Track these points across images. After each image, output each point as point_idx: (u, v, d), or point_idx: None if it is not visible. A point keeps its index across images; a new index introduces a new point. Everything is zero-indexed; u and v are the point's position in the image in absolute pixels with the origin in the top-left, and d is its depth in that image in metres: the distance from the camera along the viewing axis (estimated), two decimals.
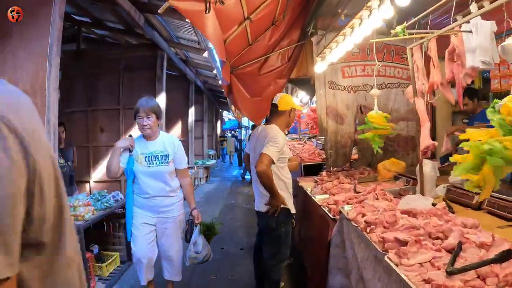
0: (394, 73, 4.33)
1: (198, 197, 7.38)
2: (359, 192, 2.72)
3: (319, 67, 3.76)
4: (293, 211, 2.59)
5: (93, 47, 6.78)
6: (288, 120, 2.72)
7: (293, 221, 2.67)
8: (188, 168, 7.71)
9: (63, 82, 6.74)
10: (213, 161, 10.06)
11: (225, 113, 22.67)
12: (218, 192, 8.02)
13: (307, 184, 3.43)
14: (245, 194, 7.73)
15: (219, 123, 19.09)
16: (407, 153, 4.34)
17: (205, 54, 6.05)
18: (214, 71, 7.51)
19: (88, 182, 6.16)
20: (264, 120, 4.23)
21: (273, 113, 2.72)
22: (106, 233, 3.78)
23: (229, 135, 17.80)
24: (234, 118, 26.33)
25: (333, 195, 2.76)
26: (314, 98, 4.79)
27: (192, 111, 8.87)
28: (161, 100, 5.73)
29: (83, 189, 6.21)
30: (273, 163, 2.39)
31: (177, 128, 9.12)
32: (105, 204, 3.24)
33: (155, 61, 5.78)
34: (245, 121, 17.05)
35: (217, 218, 5.65)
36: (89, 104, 6.15)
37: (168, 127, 9.14)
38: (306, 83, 4.37)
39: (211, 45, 6.04)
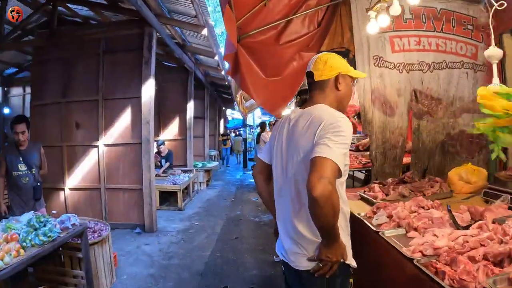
0: (457, 48, 3.20)
1: (197, 207, 6.23)
2: (464, 228, 1.57)
3: (365, 30, 2.60)
4: (353, 265, 1.39)
5: (69, 27, 5.66)
6: (337, 95, 1.48)
7: (351, 281, 1.48)
8: (186, 171, 6.52)
9: (34, 69, 5.63)
10: (214, 163, 8.91)
11: (228, 111, 21.52)
12: (220, 200, 6.86)
13: (353, 204, 2.25)
14: (253, 203, 6.56)
15: (222, 121, 17.94)
16: (472, 156, 3.20)
17: (205, 31, 4.89)
18: (216, 57, 6.36)
19: (63, 190, 5.04)
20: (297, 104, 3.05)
21: (312, 88, 1.53)
22: (59, 269, 2.64)
23: (233, 134, 16.64)
24: (239, 117, 25.24)
25: (417, 230, 1.60)
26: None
27: (191, 106, 7.72)
28: (149, 88, 4.58)
29: (56, 199, 5.10)
30: (340, 176, 1.23)
31: (173, 126, 7.97)
32: (47, 236, 2.09)
33: (141, 41, 4.63)
34: (249, 119, 15.84)
35: (219, 237, 4.49)
36: (63, 94, 5.02)
37: (163, 124, 8.01)
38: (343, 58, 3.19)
39: (211, 22, 4.89)
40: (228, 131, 15.51)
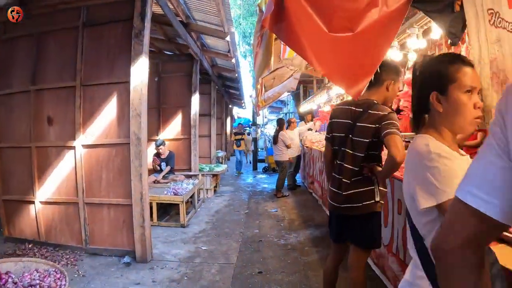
0: None
1: (203, 222, 5.05)
2: None
3: None
4: None
5: None
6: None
7: None
8: (190, 176, 5.33)
9: None
10: (223, 167, 7.73)
11: (235, 109, 20.36)
12: (232, 213, 5.69)
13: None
14: (272, 217, 5.38)
15: (228, 120, 16.78)
16: None
17: None
18: (228, 38, 5.19)
19: (33, 203, 3.90)
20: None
21: None
22: None
23: (248, 130, 14.81)
24: (245, 115, 24.07)
25: None
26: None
27: (196, 100, 6.55)
28: (140, 70, 3.41)
29: (25, 216, 3.97)
30: None
31: (175, 123, 6.80)
32: None
33: (132, 8, 3.47)
34: (259, 118, 14.64)
35: (236, 270, 3.31)
36: (32, 81, 3.88)
37: (164, 121, 6.85)
38: (444, 10, 1.97)
39: None
40: (243, 128, 12.76)
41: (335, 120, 2.09)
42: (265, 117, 21.91)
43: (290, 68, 4.61)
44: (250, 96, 7.79)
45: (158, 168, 6.26)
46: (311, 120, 9.30)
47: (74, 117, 3.65)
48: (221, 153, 10.59)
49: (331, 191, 2.14)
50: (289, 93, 15.50)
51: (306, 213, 5.43)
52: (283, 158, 6.67)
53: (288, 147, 6.60)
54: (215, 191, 7.40)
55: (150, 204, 4.43)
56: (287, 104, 21.88)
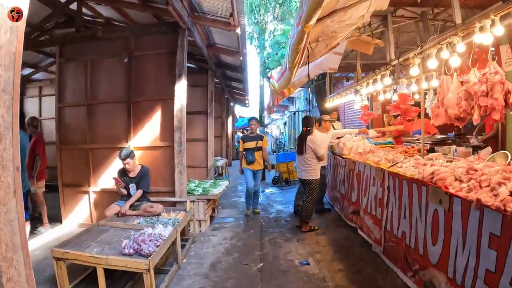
0: None
1: None
2: None
3: None
4: None
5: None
6: None
7: None
8: (175, 204, 3.09)
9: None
10: (222, 185, 5.56)
11: (236, 108, 18.18)
12: (237, 268, 3.53)
13: None
14: (304, 278, 3.26)
15: (230, 120, 14.64)
16: None
17: None
18: None
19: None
20: None
21: None
22: None
23: (239, 134, 12.36)
24: (247, 115, 21.79)
25: None
26: None
27: (181, 88, 4.39)
28: None
29: None
30: None
31: (153, 124, 4.65)
32: None
33: None
34: (249, 115, 12.45)
35: None
36: None
37: (136, 120, 4.74)
38: None
39: None
40: (260, 129, 8.67)
41: None
42: (267, 117, 19.32)
43: (347, 23, 2.51)
44: (268, 78, 5.48)
45: (125, 192, 4.14)
46: (338, 119, 7.15)
47: None
48: (221, 161, 8.45)
49: None
50: (302, 88, 13.24)
51: (360, 272, 3.28)
52: (314, 175, 4.49)
53: (320, 159, 4.46)
54: (212, 218, 5.27)
55: (91, 272, 2.71)
56: (294, 102, 19.66)
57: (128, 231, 3.37)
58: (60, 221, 5.21)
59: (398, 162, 3.03)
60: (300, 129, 5.44)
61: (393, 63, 3.95)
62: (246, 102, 14.80)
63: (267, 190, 8.04)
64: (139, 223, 3.62)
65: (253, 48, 15.33)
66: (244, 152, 5.60)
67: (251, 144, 5.59)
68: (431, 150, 3.64)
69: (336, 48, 3.80)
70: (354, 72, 6.27)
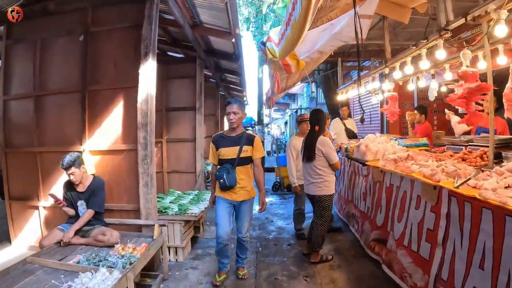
0: None
1: None
2: None
3: None
4: None
5: None
6: None
7: None
8: (140, 228, 2.38)
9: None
10: (206, 200, 4.47)
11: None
12: None
13: None
14: None
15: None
16: None
17: None
18: None
19: None
20: None
21: None
22: None
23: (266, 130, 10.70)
24: (247, 116, 20.49)
25: None
26: None
27: (147, 72, 3.25)
28: None
29: None
30: None
31: (113, 120, 3.52)
32: None
33: None
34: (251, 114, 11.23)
35: None
36: None
37: (91, 115, 3.61)
38: None
39: None
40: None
41: None
42: (267, 116, 17.88)
43: None
44: (263, 44, 3.59)
45: (72, 212, 3.06)
46: (350, 116, 6.04)
47: None
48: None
49: None
50: (305, 82, 11.97)
51: None
52: (326, 189, 3.32)
53: (335, 167, 3.32)
54: (195, 240, 4.16)
55: None
56: (296, 100, 18.49)
57: (59, 276, 2.28)
58: (9, 241, 4.15)
59: (470, 178, 1.92)
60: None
61: (453, 26, 2.61)
62: (245, 99, 13.65)
63: (266, 200, 6.91)
64: (78, 262, 2.51)
65: (250, 35, 13.67)
66: (217, 168, 3.08)
67: (230, 152, 3.01)
68: (497, 156, 2.54)
69: (363, 8, 2.65)
70: (371, 58, 5.15)
